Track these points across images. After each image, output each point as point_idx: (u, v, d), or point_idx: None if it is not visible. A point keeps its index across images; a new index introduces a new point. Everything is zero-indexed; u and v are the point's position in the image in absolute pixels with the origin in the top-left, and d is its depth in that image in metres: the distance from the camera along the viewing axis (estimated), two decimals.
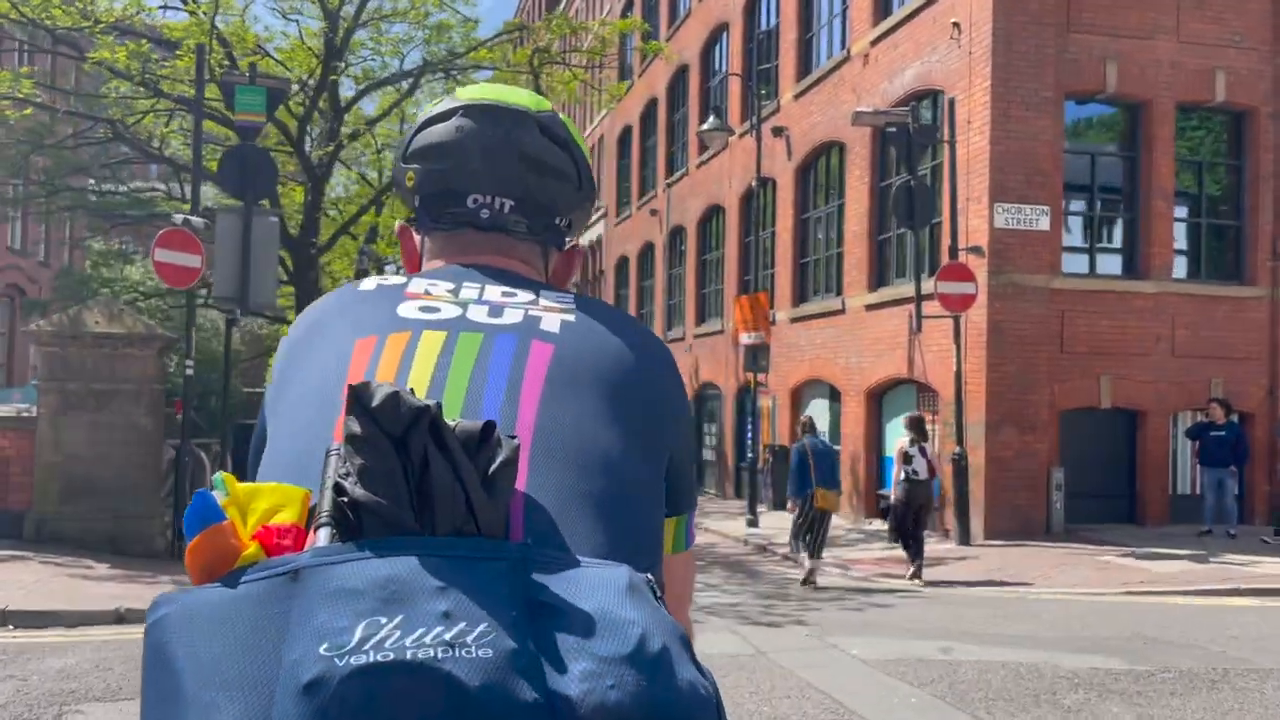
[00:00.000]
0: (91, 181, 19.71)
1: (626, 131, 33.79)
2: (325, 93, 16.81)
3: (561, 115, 1.30)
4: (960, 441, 13.87)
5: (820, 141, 19.22)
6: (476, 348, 1.08)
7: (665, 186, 28.31)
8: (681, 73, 27.89)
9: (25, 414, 11.57)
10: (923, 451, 11.61)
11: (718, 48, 25.75)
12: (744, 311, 18.36)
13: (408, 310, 1.12)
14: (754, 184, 18.94)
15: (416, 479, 0.87)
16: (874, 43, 17.22)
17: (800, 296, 20.15)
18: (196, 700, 0.78)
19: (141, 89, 14.61)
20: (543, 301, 1.17)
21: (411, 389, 0.91)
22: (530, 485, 0.98)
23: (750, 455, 18.67)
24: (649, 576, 0.89)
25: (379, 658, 0.76)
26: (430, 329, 1.10)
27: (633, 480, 1.05)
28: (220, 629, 0.81)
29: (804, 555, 11.46)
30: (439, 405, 0.89)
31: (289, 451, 1.04)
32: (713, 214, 25.25)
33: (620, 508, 1.02)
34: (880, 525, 12.99)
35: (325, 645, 0.77)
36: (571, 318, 1.15)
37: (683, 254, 27.49)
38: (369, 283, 1.21)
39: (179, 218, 11.51)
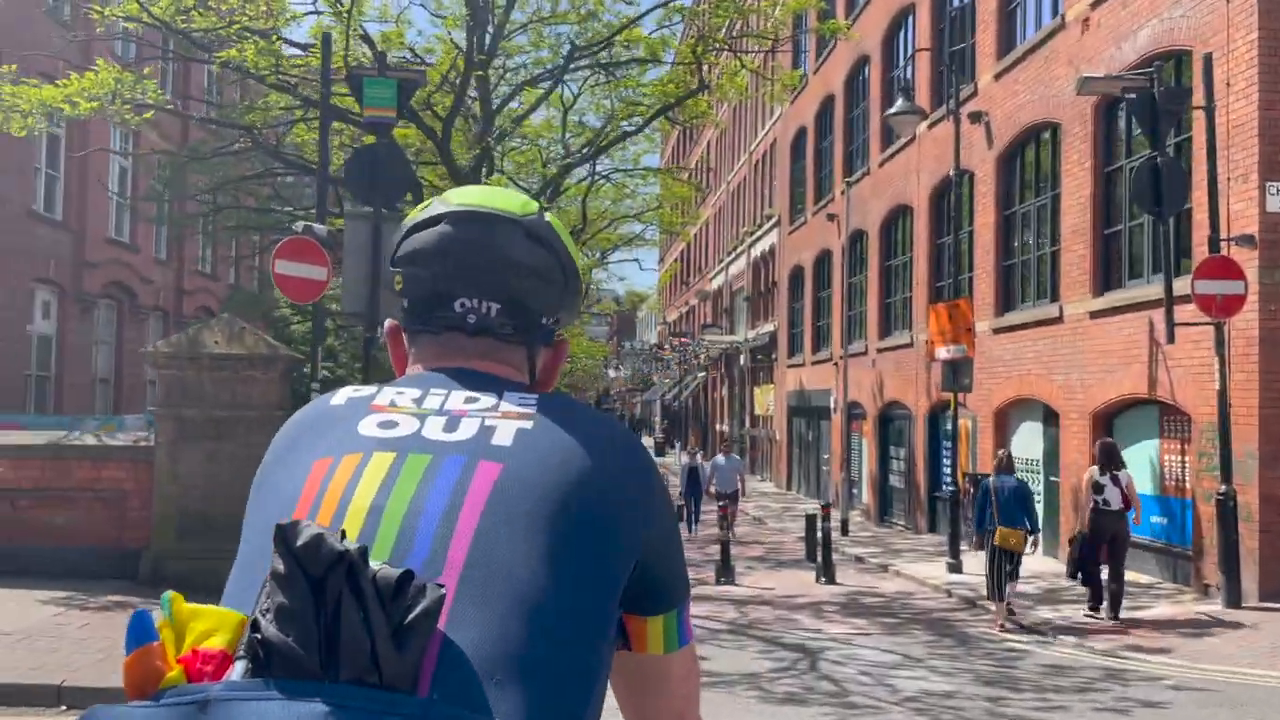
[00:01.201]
0: (252, 199, 19.23)
1: (801, 134, 31.70)
2: (475, 94, 15.57)
3: (550, 216, 1.30)
4: (1225, 478, 11.17)
5: (1027, 124, 16.67)
6: (421, 472, 1.08)
7: (844, 189, 26.09)
8: (861, 65, 25.65)
9: (143, 443, 10.60)
10: (1115, 480, 10.80)
11: (902, 33, 23.41)
12: (940, 321, 16.01)
13: (367, 427, 1.14)
14: (951, 175, 16.57)
15: (329, 622, 0.88)
16: (1096, 4, 14.64)
17: (1005, 304, 17.58)
18: None
19: (274, 91, 13.71)
20: (503, 406, 1.17)
21: (343, 531, 0.94)
22: (452, 630, 0.96)
23: (949, 486, 16.30)
24: None
25: None
26: (381, 450, 1.11)
27: (570, 622, 1.03)
28: None
29: (999, 602, 10.83)
30: (362, 550, 0.90)
31: (238, 577, 1.07)
32: (898, 215, 22.88)
33: (547, 660, 0.99)
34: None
35: None
36: (529, 424, 1.14)
37: (864, 260, 25.17)
38: (341, 395, 1.22)
39: (300, 225, 10.31)
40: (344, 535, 0.91)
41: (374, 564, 0.90)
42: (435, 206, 1.26)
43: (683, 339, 49.11)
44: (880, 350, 23.29)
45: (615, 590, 1.08)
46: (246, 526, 1.13)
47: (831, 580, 14.28)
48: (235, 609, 0.95)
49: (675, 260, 55.28)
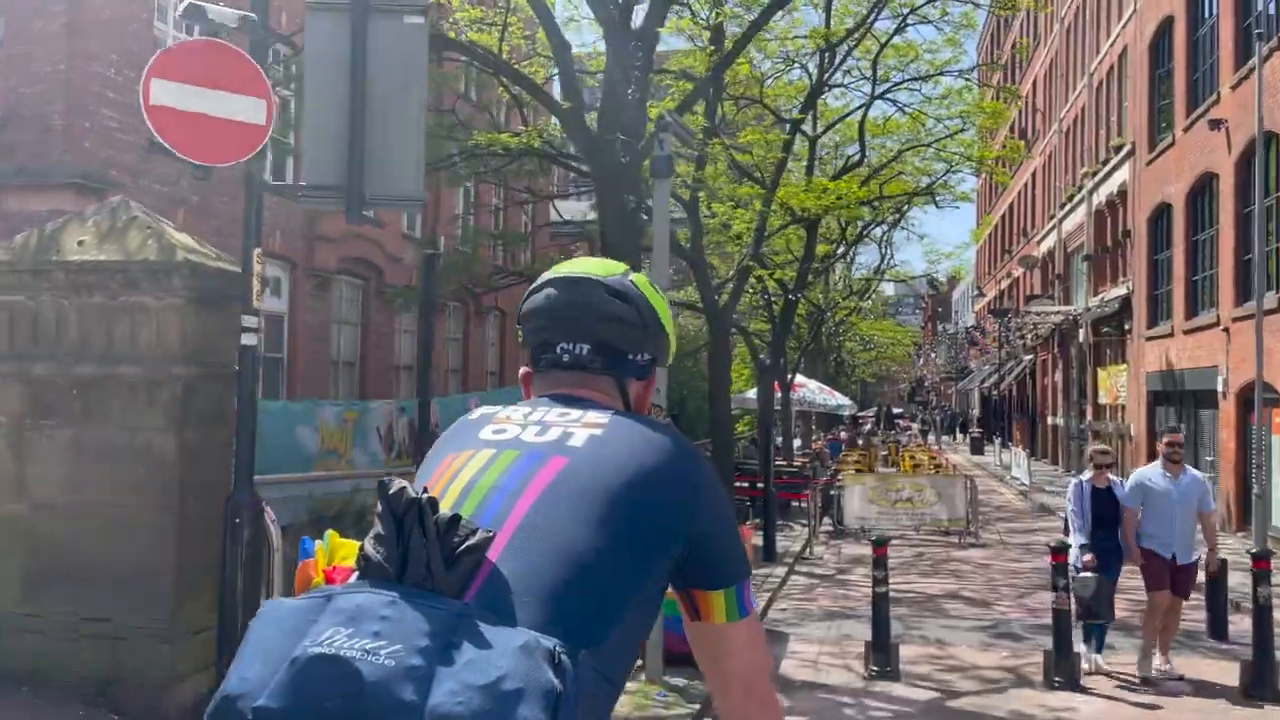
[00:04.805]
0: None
1: (1164, 28, 23.64)
2: None
3: (634, 276, 1.73)
4: None
5: None
6: (509, 462, 1.49)
7: (1234, 82, 18.29)
8: None
9: None
10: None
11: None
12: None
13: (485, 434, 1.57)
14: None
15: (405, 546, 1.28)
16: None
17: None
18: (241, 656, 1.22)
19: None
20: (585, 419, 1.55)
21: (425, 488, 1.41)
22: (500, 564, 1.33)
23: None
24: (555, 645, 1.19)
25: (324, 650, 1.16)
26: (486, 448, 1.53)
27: (597, 572, 1.37)
28: (281, 621, 1.24)
29: None
30: (431, 500, 1.30)
31: None
32: None
33: (570, 596, 1.33)
34: None
35: (309, 640, 1.18)
36: (600, 432, 1.52)
37: (1273, 175, 17.26)
38: (476, 412, 1.67)
39: (182, 5, 5.43)
40: (425, 491, 1.33)
41: (444, 512, 1.31)
42: (544, 276, 1.71)
43: (1001, 319, 40.98)
44: None
45: (650, 560, 1.44)
46: None
47: (1273, 695, 7.64)
48: None
49: (995, 219, 46.83)
